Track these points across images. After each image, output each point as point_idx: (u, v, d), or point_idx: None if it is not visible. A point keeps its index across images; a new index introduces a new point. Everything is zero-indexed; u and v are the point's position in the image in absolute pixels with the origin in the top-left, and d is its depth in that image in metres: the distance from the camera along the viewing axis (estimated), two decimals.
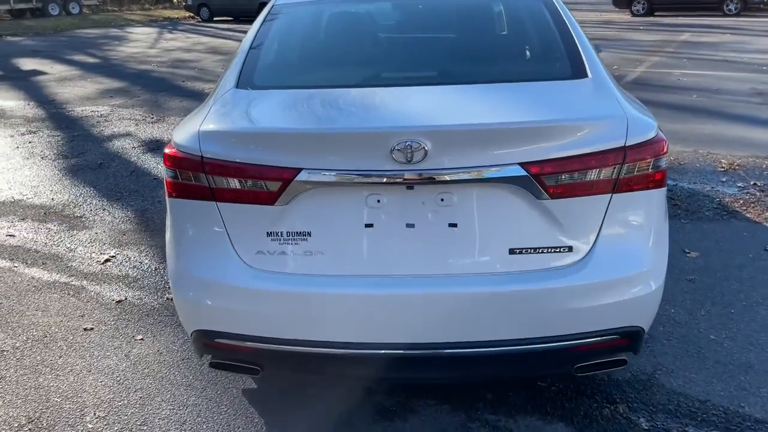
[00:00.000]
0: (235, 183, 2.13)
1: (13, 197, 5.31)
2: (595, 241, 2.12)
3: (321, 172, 2.06)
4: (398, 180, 2.04)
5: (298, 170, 2.07)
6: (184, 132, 2.26)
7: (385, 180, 2.04)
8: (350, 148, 2.06)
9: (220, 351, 2.31)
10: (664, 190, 2.21)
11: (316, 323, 2.15)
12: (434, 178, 2.03)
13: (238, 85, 2.52)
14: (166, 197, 2.31)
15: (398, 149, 1.99)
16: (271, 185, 2.10)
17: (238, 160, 2.12)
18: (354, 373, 2.35)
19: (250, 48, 2.75)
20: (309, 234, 2.13)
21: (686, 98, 8.35)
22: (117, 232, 4.56)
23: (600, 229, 2.12)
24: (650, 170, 2.12)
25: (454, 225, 2.09)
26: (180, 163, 2.20)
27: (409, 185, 2.06)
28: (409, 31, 3.07)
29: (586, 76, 2.43)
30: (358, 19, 3.16)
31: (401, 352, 2.15)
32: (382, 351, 2.14)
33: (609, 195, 2.10)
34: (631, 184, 2.11)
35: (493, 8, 3.08)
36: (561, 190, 2.06)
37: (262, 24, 2.96)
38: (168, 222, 2.36)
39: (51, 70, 11.92)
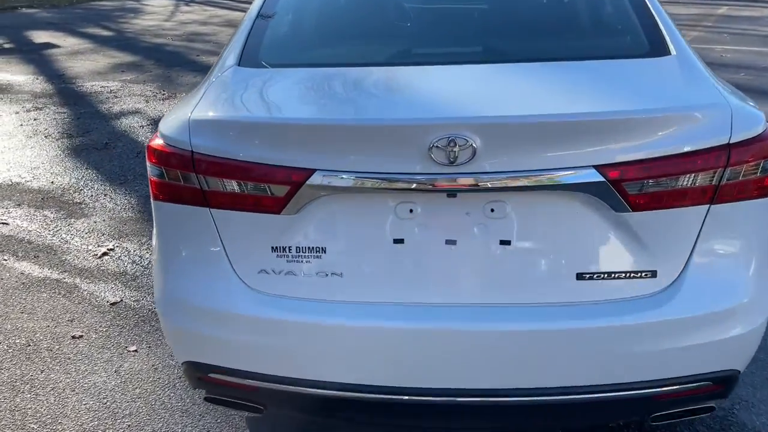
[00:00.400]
0: (232, 185, 1.71)
1: (11, 180, 4.95)
2: (685, 265, 1.67)
3: (339, 175, 1.63)
4: (437, 186, 1.60)
5: (311, 171, 1.64)
6: (173, 120, 1.84)
7: (420, 186, 1.60)
8: (377, 145, 1.62)
9: (216, 387, 1.91)
10: None
11: (332, 361, 1.73)
12: (483, 185, 1.59)
13: (240, 62, 2.08)
14: (152, 199, 1.90)
15: (438, 147, 1.55)
16: (276, 189, 1.67)
17: (236, 158, 1.69)
18: (379, 422, 1.93)
19: (258, 16, 2.30)
20: (323, 250, 1.71)
21: (733, 76, 7.75)
22: (118, 221, 4.17)
23: (693, 249, 1.66)
24: (759, 174, 1.66)
25: (506, 242, 1.66)
26: (166, 159, 1.78)
27: (451, 192, 1.63)
28: None
29: (668, 53, 1.96)
30: None
31: (439, 399, 1.72)
32: (416, 397, 1.72)
33: (706, 206, 1.64)
34: (734, 193, 1.64)
35: None
36: (646, 201, 1.61)
37: None
38: (154, 230, 1.94)
39: (64, 43, 11.54)
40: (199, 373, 1.89)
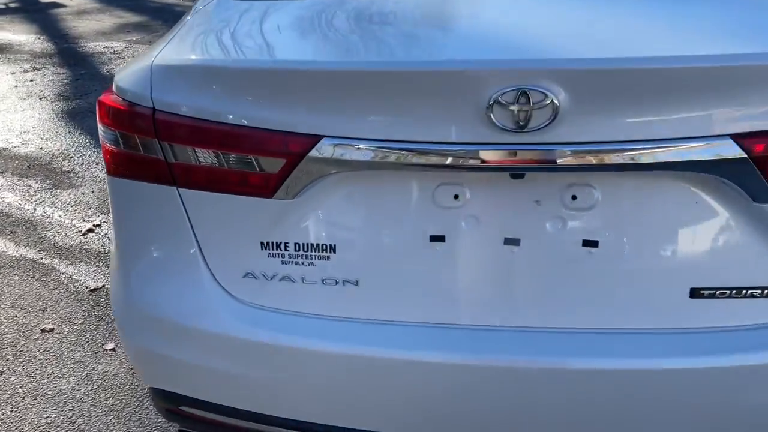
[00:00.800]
0: (207, 157, 1.23)
1: None
2: None
3: (355, 144, 1.14)
4: (497, 162, 1.11)
5: (316, 139, 1.15)
6: (132, 68, 1.36)
7: (470, 160, 1.12)
8: (410, 101, 1.13)
9: (189, 421, 1.46)
10: None
11: (342, 401, 1.27)
12: (565, 161, 1.09)
13: None
14: (105, 174, 1.44)
15: (502, 103, 1.06)
16: (267, 164, 1.19)
17: (212, 118, 1.21)
18: None
19: None
20: (332, 249, 1.23)
21: None
22: (107, 193, 3.72)
23: None
24: None
25: (592, 243, 1.17)
26: (121, 119, 1.30)
27: (517, 171, 1.13)
28: None
29: None
30: None
31: None
32: None
33: None
34: None
35: None
36: None
37: None
38: (111, 215, 1.48)
39: (70, 3, 11.03)
40: (168, 404, 1.44)
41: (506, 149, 1.09)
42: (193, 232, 1.28)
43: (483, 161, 1.11)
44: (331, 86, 1.16)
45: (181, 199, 1.27)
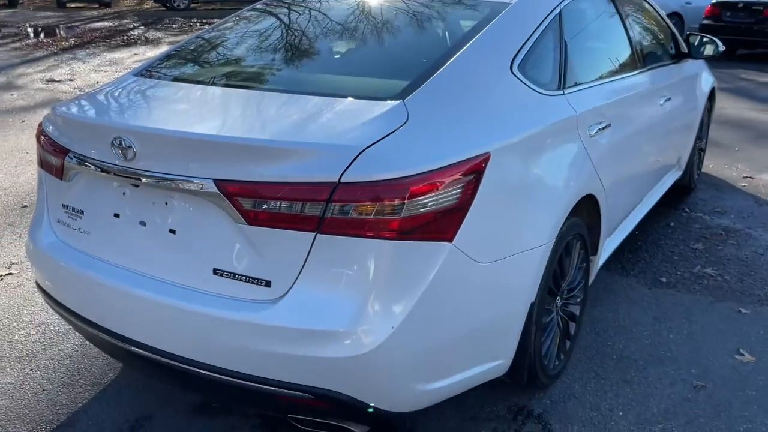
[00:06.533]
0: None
1: None
2: None
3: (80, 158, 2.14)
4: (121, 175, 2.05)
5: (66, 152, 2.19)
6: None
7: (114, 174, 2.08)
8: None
9: (49, 299, 2.42)
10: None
11: (84, 298, 2.23)
12: (144, 180, 2.02)
13: (138, 73, 2.61)
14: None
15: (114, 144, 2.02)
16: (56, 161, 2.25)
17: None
18: None
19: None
20: (81, 212, 2.23)
21: None
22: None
23: None
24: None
25: (171, 231, 2.04)
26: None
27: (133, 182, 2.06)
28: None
29: None
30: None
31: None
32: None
33: None
34: None
35: None
36: None
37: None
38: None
39: None
40: (42, 293, 2.43)
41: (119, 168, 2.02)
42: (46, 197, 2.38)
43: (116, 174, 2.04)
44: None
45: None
